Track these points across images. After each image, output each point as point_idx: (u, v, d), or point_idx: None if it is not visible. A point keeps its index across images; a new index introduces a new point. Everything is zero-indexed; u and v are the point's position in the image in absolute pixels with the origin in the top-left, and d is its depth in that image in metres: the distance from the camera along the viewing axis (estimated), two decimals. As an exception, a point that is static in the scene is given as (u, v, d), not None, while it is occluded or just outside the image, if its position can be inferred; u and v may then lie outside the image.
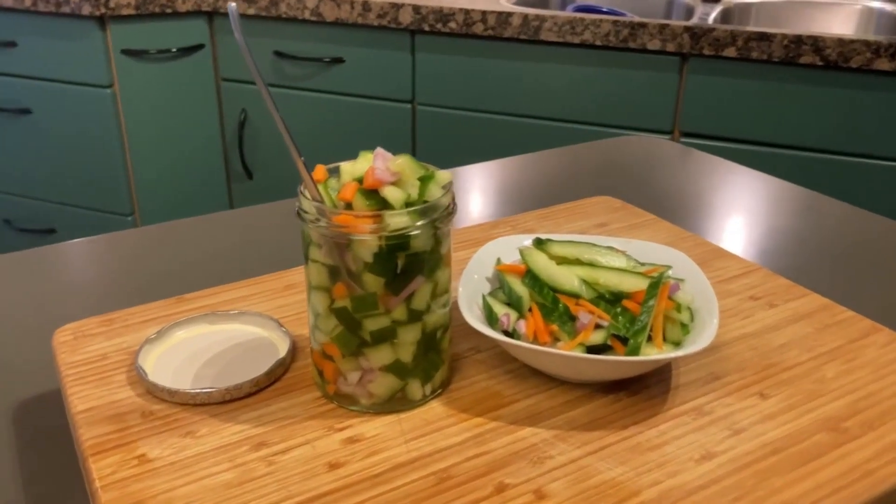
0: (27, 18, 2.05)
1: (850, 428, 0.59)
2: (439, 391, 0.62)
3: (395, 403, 0.60)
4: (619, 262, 0.66)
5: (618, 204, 0.95)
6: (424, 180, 0.56)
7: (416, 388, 0.60)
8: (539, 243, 0.68)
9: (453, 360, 0.66)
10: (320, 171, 0.58)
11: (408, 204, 0.55)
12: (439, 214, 0.56)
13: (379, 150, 0.56)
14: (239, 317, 0.70)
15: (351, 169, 0.57)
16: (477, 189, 1.14)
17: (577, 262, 0.66)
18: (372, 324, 0.57)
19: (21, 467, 0.61)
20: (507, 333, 0.63)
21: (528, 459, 0.56)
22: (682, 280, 0.67)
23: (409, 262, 0.56)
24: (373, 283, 0.55)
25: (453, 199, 0.59)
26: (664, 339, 0.62)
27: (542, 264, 0.65)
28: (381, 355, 0.58)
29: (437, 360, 0.61)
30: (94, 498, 0.53)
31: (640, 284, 0.63)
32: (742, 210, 1.07)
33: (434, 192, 0.56)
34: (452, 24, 1.87)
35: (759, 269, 0.80)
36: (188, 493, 0.52)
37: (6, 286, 0.86)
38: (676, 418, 0.60)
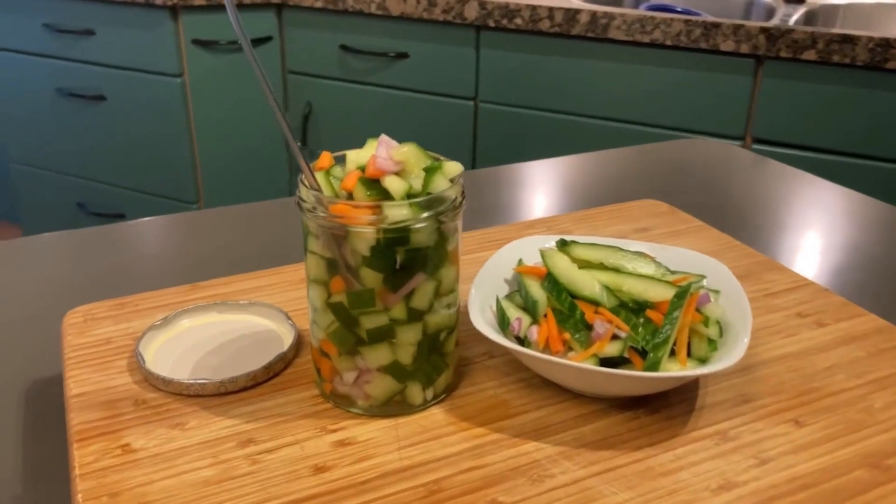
0: (105, 8, 2.10)
1: (893, 466, 0.53)
2: (443, 396, 0.59)
3: (394, 407, 0.56)
4: (647, 268, 0.61)
5: (664, 208, 0.89)
6: (430, 171, 0.53)
7: (416, 392, 0.56)
8: (563, 245, 0.63)
9: (462, 364, 0.62)
10: (326, 158, 0.55)
11: (410, 196, 0.52)
12: (444, 208, 0.52)
13: (383, 137, 0.53)
14: (249, 307, 0.68)
15: (356, 157, 0.54)
16: (525, 187, 1.10)
17: (601, 266, 0.61)
18: (369, 321, 0.54)
19: (25, 449, 0.60)
20: (519, 340, 0.59)
21: (528, 477, 0.51)
22: (716, 291, 0.62)
23: (410, 258, 0.52)
24: (370, 278, 0.52)
25: (462, 192, 0.55)
26: (689, 355, 0.57)
27: (563, 267, 0.61)
28: (378, 355, 0.55)
29: (441, 363, 0.57)
30: (73, 485, 0.51)
31: (666, 294, 0.58)
32: (808, 222, 1.00)
33: (440, 184, 0.53)
34: (518, 21, 1.83)
35: (811, 284, 0.74)
36: (165, 487, 0.50)
37: (57, 263, 0.86)
38: (697, 442, 0.55)
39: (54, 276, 0.83)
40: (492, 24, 1.86)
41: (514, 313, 0.60)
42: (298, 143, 0.52)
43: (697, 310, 0.58)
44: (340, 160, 0.56)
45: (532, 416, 0.57)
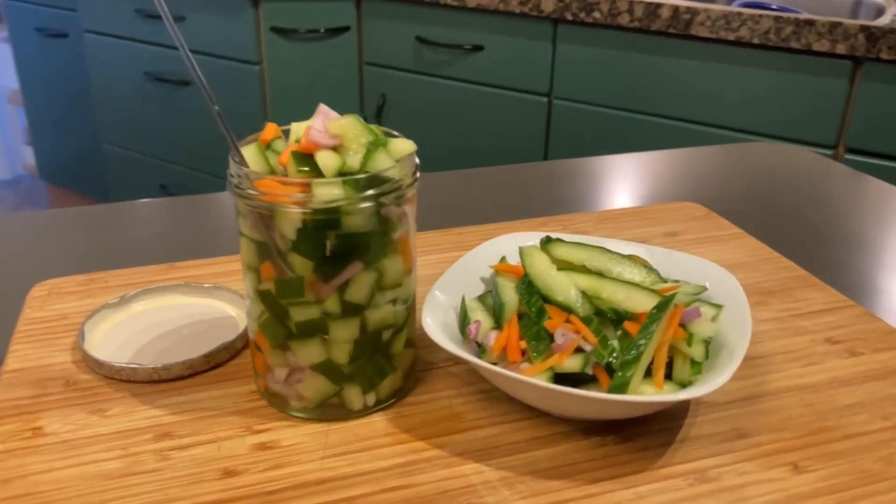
0: (194, -6, 2.13)
1: (905, 531, 0.43)
2: (389, 403, 0.52)
3: (331, 411, 0.51)
4: (635, 274, 0.53)
5: (701, 212, 0.80)
6: (372, 147, 0.47)
7: (354, 396, 0.51)
8: (546, 243, 0.56)
9: (423, 368, 0.56)
10: (270, 129, 0.50)
11: (344, 173, 0.46)
12: (386, 190, 0.46)
13: (322, 107, 0.47)
14: (213, 291, 0.63)
15: (299, 130, 0.49)
16: (563, 183, 1.02)
17: (583, 269, 0.54)
18: (299, 313, 0.48)
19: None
20: (480, 346, 0.52)
21: (455, 503, 0.45)
22: (717, 306, 0.53)
23: (343, 245, 0.46)
24: (300, 265, 0.47)
25: (414, 174, 0.49)
26: (670, 378, 0.49)
27: (540, 268, 0.53)
28: (309, 352, 0.49)
29: (385, 366, 0.51)
30: (-26, 467, 0.48)
31: (649, 304, 0.50)
32: (878, 239, 0.88)
33: (380, 163, 0.47)
34: (597, 14, 1.74)
35: (854, 307, 0.64)
36: (60, 478, 0.46)
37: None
38: (667, 480, 0.46)
39: (65, 250, 0.81)
40: (569, 17, 1.77)
41: (477, 316, 0.53)
42: (216, 108, 0.47)
43: (683, 325, 0.49)
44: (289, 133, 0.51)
45: (483, 433, 0.50)
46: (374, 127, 0.50)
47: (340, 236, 0.46)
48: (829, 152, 1.60)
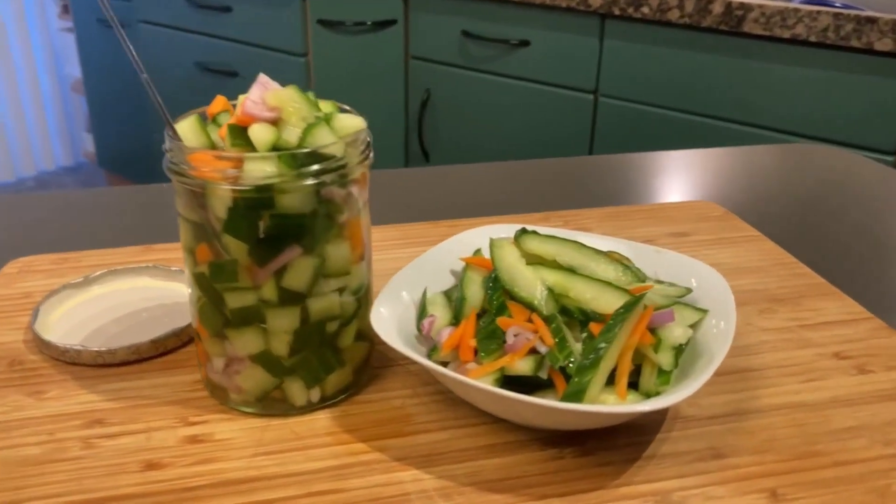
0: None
1: (889, 575, 0.38)
2: (338, 399, 0.49)
3: (273, 405, 0.47)
4: (610, 272, 0.49)
5: (718, 212, 0.74)
6: (313, 123, 0.43)
7: (297, 391, 0.47)
8: (519, 235, 0.52)
9: (382, 365, 0.52)
10: (219, 102, 0.47)
11: (279, 149, 0.43)
12: (326, 168, 0.43)
13: (261, 76, 0.44)
14: (179, 275, 0.61)
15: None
16: (582, 179, 0.97)
17: (554, 264, 0.49)
18: (234, 299, 0.45)
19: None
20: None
21: (388, 512, 0.41)
22: (701, 311, 0.48)
23: (278, 226, 0.43)
24: (234, 247, 0.44)
25: (363, 153, 0.45)
26: (636, 388, 0.44)
27: (508, 262, 0.49)
28: (246, 341, 0.46)
29: (332, 360, 0.47)
30: None
31: (620, 304, 0.45)
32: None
33: (321, 139, 0.43)
34: (645, 10, 1.67)
35: (871, 319, 0.58)
36: (-23, 461, 0.44)
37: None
38: (623, 501, 0.42)
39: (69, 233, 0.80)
40: (617, 12, 1.71)
41: (435, 310, 0.49)
42: (145, 76, 0.44)
43: (651, 330, 0.44)
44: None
45: (432, 437, 0.46)
46: (325, 102, 0.47)
47: (275, 217, 0.43)
48: (889, 158, 1.50)
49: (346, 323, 0.48)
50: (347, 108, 0.47)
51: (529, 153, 1.94)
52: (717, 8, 1.58)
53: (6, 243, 0.71)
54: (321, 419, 0.47)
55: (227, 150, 0.43)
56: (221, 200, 0.42)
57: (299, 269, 0.44)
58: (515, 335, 0.44)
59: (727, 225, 0.72)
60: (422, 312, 0.50)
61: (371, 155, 0.46)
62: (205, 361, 0.48)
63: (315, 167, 0.42)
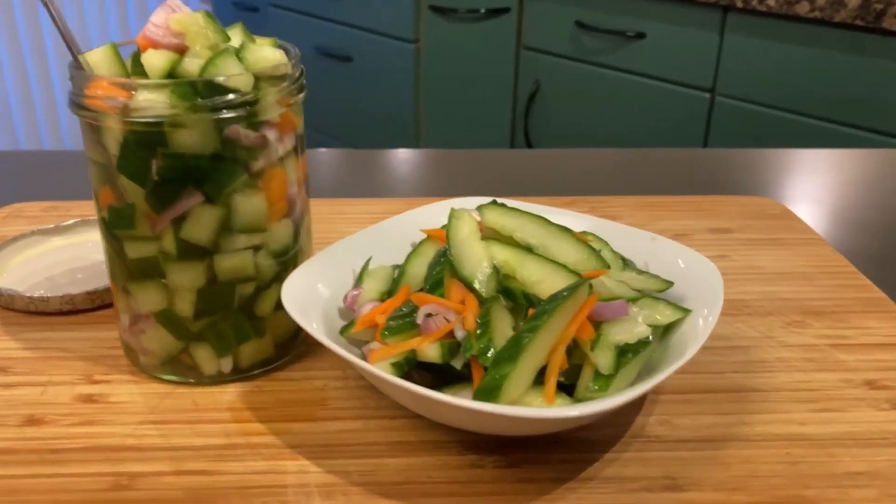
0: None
1: None
2: (256, 373, 0.44)
3: (183, 372, 0.43)
4: (570, 254, 0.41)
5: (776, 210, 0.64)
6: (221, 52, 0.38)
7: (206, 358, 0.42)
8: (483, 206, 0.44)
9: (315, 343, 0.46)
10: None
11: (174, 77, 0.38)
12: (228, 103, 0.37)
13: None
14: (152, 231, 0.57)
15: (175, 35, 0.41)
16: (661, 167, 0.87)
17: (511, 241, 0.42)
18: (133, 248, 0.40)
19: None
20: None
21: (252, 504, 0.35)
22: (682, 311, 0.40)
23: (173, 168, 0.38)
24: (131, 190, 0.39)
25: (286, 91, 0.39)
26: (572, 394, 0.36)
27: (461, 236, 0.42)
28: (148, 297, 0.41)
29: (247, 328, 0.42)
30: None
31: (567, 292, 0.37)
32: None
33: (224, 69, 0.38)
34: (771, 2, 1.53)
35: (930, 345, 0.46)
36: None
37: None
38: (532, 527, 0.34)
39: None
40: (740, 4, 1.57)
41: (366, 283, 0.43)
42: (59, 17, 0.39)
43: (594, 323, 0.36)
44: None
45: (342, 425, 0.40)
46: (250, 37, 0.41)
47: (169, 156, 0.38)
48: None
49: (265, 288, 0.42)
50: (286, 45, 0.41)
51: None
52: (853, 1, 1.42)
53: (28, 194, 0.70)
54: (229, 392, 0.42)
55: (119, 78, 0.38)
56: (113, 135, 0.38)
57: (200, 218, 0.39)
58: (428, 315, 0.37)
59: (782, 224, 0.61)
60: (358, 284, 0.44)
61: (300, 97, 0.41)
62: (117, 319, 0.44)
63: (213, 101, 0.37)
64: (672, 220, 0.62)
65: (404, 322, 0.38)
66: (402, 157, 0.87)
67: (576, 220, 0.47)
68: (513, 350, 0.35)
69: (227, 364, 0.43)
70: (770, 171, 0.82)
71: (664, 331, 0.40)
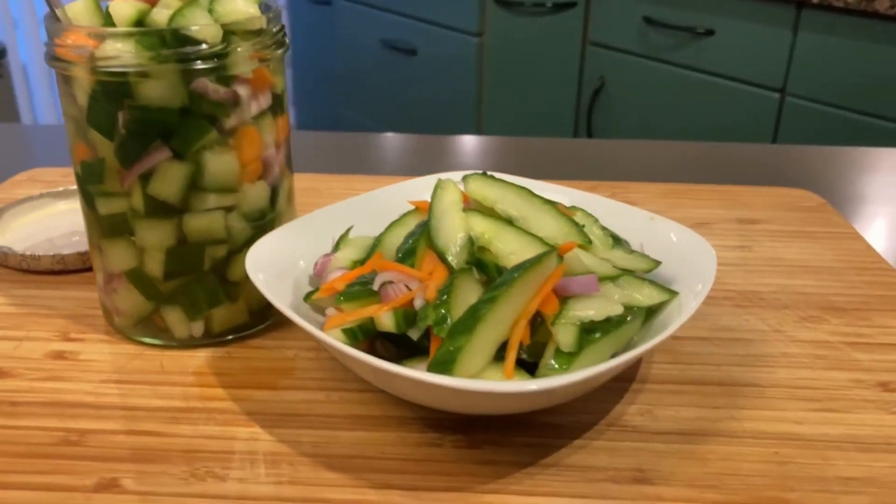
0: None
1: None
2: (228, 339, 0.42)
3: (154, 334, 0.42)
4: (552, 227, 0.38)
5: (812, 203, 0.60)
6: (190, 2, 0.37)
7: (176, 321, 0.41)
8: (468, 176, 0.42)
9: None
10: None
11: (142, 25, 0.37)
12: (194, 54, 0.36)
13: (148, -50, 0.38)
14: (158, 198, 0.57)
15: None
16: (703, 160, 0.83)
17: (493, 213, 0.40)
18: (103, 204, 0.40)
19: None
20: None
21: (194, 468, 0.34)
22: (669, 293, 0.37)
23: (139, 121, 0.37)
24: (101, 144, 0.38)
25: (259, 46, 0.38)
26: (534, 372, 0.34)
27: (443, 206, 0.40)
28: (118, 255, 0.41)
29: (218, 292, 0.41)
30: None
31: (539, 265, 0.35)
32: None
33: (192, 20, 0.37)
34: (848, -3, 1.45)
35: (960, 348, 0.42)
36: None
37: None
38: (479, 510, 0.32)
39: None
40: (815, 0, 1.50)
41: (342, 250, 0.41)
42: None
43: (560, 297, 0.34)
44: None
45: (304, 395, 0.38)
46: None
47: (135, 109, 0.37)
48: None
49: (237, 252, 0.41)
50: (270, 3, 0.40)
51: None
52: (937, -4, 1.34)
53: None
54: (198, 357, 0.41)
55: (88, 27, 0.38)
56: (82, 86, 0.37)
57: (166, 175, 0.38)
58: (386, 283, 0.35)
59: (816, 218, 0.57)
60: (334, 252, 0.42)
61: (278, 53, 0.39)
62: (94, 277, 0.44)
63: (179, 52, 0.36)
64: (695, 208, 0.58)
65: (362, 289, 0.36)
66: (461, 143, 0.85)
67: (569, 195, 0.44)
68: (469, 321, 0.32)
69: (198, 328, 0.42)
70: (831, 169, 0.77)
71: (649, 313, 0.37)
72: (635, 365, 0.40)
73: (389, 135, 0.86)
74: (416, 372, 0.31)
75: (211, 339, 0.42)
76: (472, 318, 0.32)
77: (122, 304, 0.42)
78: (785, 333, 0.44)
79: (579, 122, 2.13)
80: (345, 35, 2.57)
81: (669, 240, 0.41)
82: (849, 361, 0.41)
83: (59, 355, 0.41)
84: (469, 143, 0.83)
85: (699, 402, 0.38)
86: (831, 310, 0.46)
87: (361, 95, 2.58)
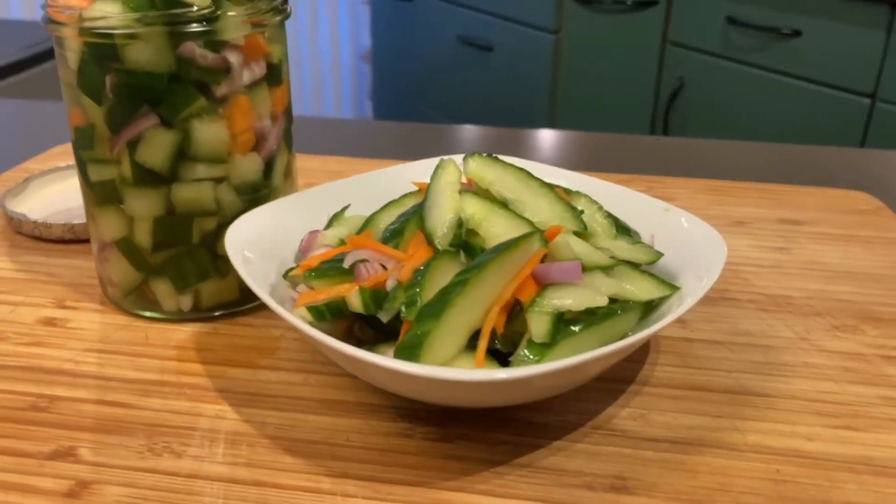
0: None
1: None
2: (218, 314, 0.41)
3: (144, 305, 0.41)
4: (546, 211, 0.35)
5: (868, 206, 0.55)
6: (183, -32, 0.36)
7: (165, 293, 0.41)
8: (468, 156, 0.40)
9: (293, 291, 0.43)
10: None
11: (135, -8, 0.36)
12: (183, 18, 0.35)
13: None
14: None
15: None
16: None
17: (488, 194, 0.37)
18: (95, 171, 0.39)
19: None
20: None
21: (152, 442, 0.33)
22: (671, 288, 0.34)
23: (126, 85, 0.36)
24: (91, 109, 0.38)
25: (251, 13, 0.37)
26: (508, 361, 0.31)
27: (441, 186, 0.38)
28: (108, 223, 0.40)
29: (207, 266, 0.40)
30: None
31: (524, 249, 0.32)
32: None
33: (186, -14, 0.36)
34: (948, -4, 1.36)
35: None
36: None
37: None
38: (435, 508, 0.30)
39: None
40: (911, -1, 1.41)
41: (332, 228, 0.40)
42: None
43: (540, 282, 0.31)
44: None
45: (278, 377, 0.37)
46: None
47: (122, 72, 0.36)
48: None
49: (229, 225, 0.40)
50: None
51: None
52: None
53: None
54: (183, 332, 0.40)
55: (102, -6, 0.37)
56: (73, 49, 0.37)
57: (154, 142, 0.37)
58: (359, 261, 0.33)
59: (871, 221, 0.52)
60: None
61: (275, 20, 0.38)
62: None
63: (167, 14, 0.35)
64: (734, 206, 0.54)
65: (333, 266, 0.34)
66: (535, 137, 0.82)
67: (579, 182, 0.41)
68: (437, 305, 0.30)
69: (186, 302, 0.41)
70: None
71: (649, 308, 0.34)
72: (634, 365, 0.37)
73: (466, 126, 0.84)
74: (372, 355, 0.29)
75: (200, 313, 0.41)
76: (441, 301, 0.30)
77: (112, 273, 0.41)
78: (811, 342, 0.40)
79: (656, 123, 2.06)
80: (423, 31, 2.57)
81: (683, 231, 0.38)
82: (880, 376, 0.37)
83: (50, 322, 0.41)
84: (541, 136, 0.80)
85: (700, 409, 0.35)
86: (870, 320, 0.42)
87: (437, 91, 2.57)
